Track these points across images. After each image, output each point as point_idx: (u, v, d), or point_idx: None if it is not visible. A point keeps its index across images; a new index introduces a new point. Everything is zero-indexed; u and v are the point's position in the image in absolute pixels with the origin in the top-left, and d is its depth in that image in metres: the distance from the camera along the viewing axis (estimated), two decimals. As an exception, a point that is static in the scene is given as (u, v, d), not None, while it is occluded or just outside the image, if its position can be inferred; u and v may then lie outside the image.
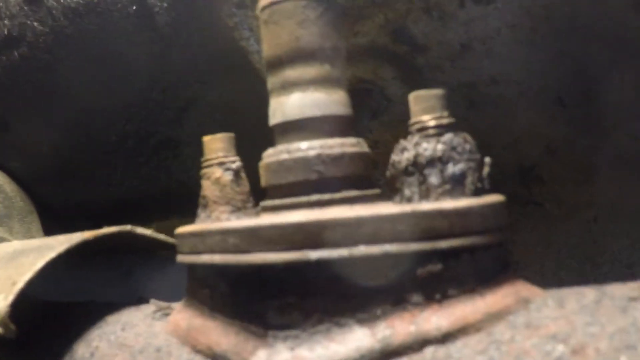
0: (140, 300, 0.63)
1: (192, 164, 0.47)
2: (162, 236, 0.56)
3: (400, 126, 0.71)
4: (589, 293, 0.33)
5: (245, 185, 0.45)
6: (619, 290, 0.33)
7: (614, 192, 0.68)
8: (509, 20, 0.62)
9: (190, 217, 0.47)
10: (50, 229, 1.08)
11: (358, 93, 0.73)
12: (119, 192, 1.09)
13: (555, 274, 0.73)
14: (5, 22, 0.88)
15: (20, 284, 0.46)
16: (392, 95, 0.72)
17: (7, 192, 1.03)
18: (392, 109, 0.73)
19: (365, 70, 0.71)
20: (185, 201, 0.54)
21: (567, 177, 0.69)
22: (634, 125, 0.63)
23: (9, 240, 0.91)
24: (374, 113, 0.74)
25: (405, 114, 0.73)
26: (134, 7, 0.83)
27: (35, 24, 0.88)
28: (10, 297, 0.45)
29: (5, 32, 0.88)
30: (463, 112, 0.70)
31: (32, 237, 1.04)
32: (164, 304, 0.53)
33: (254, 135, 0.48)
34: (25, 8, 0.88)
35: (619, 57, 0.60)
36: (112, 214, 1.12)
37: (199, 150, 0.91)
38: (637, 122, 0.63)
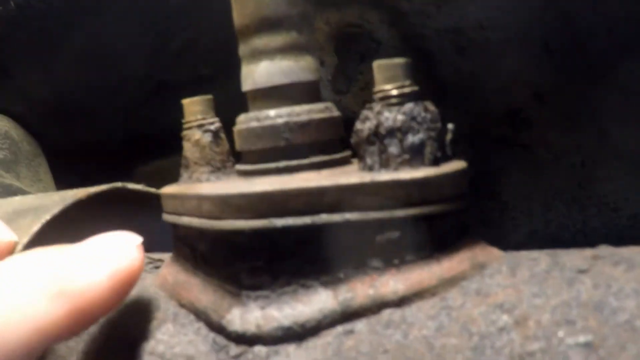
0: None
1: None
2: (152, 190, 0.58)
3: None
4: (542, 261, 0.34)
5: (225, 146, 0.47)
6: (571, 260, 0.34)
7: (601, 137, 0.68)
8: (492, -33, 0.62)
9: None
10: (58, 170, 1.11)
11: (346, 37, 0.73)
12: (122, 132, 1.11)
13: (542, 215, 0.75)
14: (0, -28, 0.88)
15: (19, 247, 0.49)
16: (380, 38, 0.72)
17: (13, 138, 1.04)
18: (382, 52, 0.73)
19: (352, 15, 0.71)
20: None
21: (555, 122, 0.70)
22: (621, 74, 0.63)
23: (17, 186, 0.93)
24: (363, 56, 0.74)
25: (394, 56, 0.73)
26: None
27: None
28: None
29: (0, -18, 0.88)
30: (451, 57, 0.70)
31: (40, 180, 1.06)
32: (155, 256, 0.56)
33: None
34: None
35: (604, 7, 0.60)
36: (116, 153, 1.15)
37: (195, 91, 0.92)
38: (624, 72, 0.63)
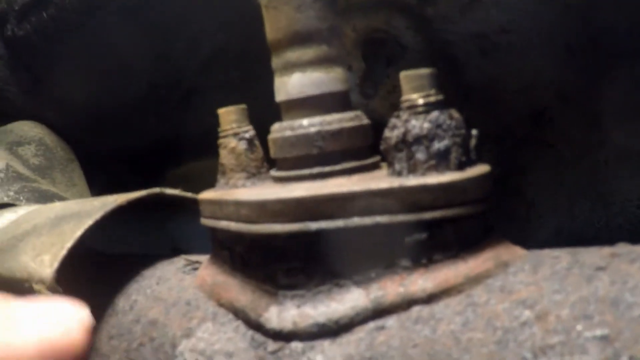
0: (174, 250, 0.68)
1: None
2: (189, 194, 0.61)
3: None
4: (563, 259, 0.36)
5: (259, 152, 0.49)
6: (590, 258, 0.35)
7: (624, 135, 0.69)
8: (515, -27, 0.64)
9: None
10: (92, 174, 1.13)
11: (373, 42, 0.75)
12: (154, 136, 1.13)
13: (568, 211, 0.76)
14: (34, -16, 0.91)
15: (64, 252, 0.51)
16: (406, 43, 0.74)
17: (47, 144, 1.07)
18: (407, 56, 0.75)
19: (378, 21, 0.73)
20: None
21: (578, 120, 0.71)
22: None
23: (53, 192, 0.96)
24: (389, 60, 0.76)
25: (420, 61, 0.75)
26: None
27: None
28: (55, 264, 0.50)
29: (35, -5, 0.91)
30: (476, 60, 0.72)
31: (74, 185, 1.09)
32: (193, 258, 0.58)
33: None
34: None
35: (623, 8, 0.61)
36: (148, 157, 1.18)
37: (225, 96, 0.95)
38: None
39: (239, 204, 0.42)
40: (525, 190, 0.78)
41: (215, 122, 0.50)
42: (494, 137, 0.76)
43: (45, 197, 0.93)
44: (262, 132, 0.48)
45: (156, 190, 0.58)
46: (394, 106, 0.41)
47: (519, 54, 0.69)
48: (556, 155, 0.75)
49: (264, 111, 0.52)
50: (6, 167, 0.98)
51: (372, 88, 0.73)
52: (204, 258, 0.55)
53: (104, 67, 1.00)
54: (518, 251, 0.39)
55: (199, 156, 1.16)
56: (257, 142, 0.49)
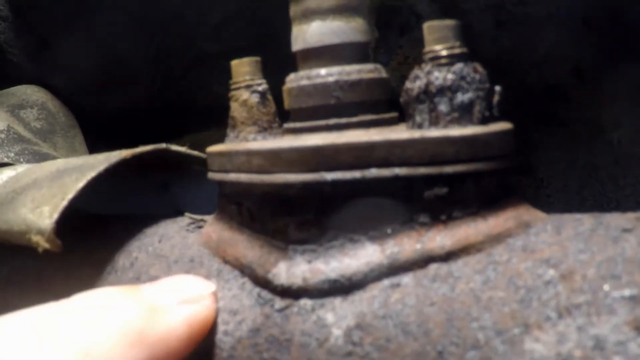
0: (177, 212, 0.66)
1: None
2: (195, 152, 0.59)
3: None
4: (586, 221, 0.35)
5: (271, 106, 0.47)
6: (615, 221, 0.34)
7: (638, 115, 0.68)
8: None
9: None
10: (92, 142, 1.12)
11: (388, 10, 0.73)
12: (159, 105, 1.12)
13: (578, 192, 0.75)
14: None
15: (64, 202, 0.49)
16: (421, 12, 0.72)
17: (50, 109, 1.06)
18: (422, 26, 0.74)
19: (394, -11, 0.71)
20: (224, 113, 0.56)
21: (593, 98, 0.70)
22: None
23: (53, 156, 0.94)
24: (402, 30, 0.74)
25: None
26: None
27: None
28: (55, 215, 0.48)
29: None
30: (491, 31, 0.70)
31: (75, 151, 1.07)
32: (197, 216, 0.56)
33: (287, 50, 0.49)
34: None
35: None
36: (152, 127, 1.16)
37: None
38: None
39: (250, 153, 0.41)
40: (536, 169, 0.77)
41: (221, 92, 0.48)
42: (506, 113, 0.74)
43: (46, 160, 0.92)
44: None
45: (162, 145, 0.56)
46: (405, 78, 0.40)
47: (535, 27, 0.68)
48: (569, 134, 0.73)
49: (271, 78, 0.50)
50: (7, 128, 0.96)
51: (386, 56, 0.72)
52: (209, 217, 0.53)
53: (112, 31, 0.98)
54: (539, 214, 0.38)
55: (203, 127, 1.14)
56: (269, 97, 0.47)
